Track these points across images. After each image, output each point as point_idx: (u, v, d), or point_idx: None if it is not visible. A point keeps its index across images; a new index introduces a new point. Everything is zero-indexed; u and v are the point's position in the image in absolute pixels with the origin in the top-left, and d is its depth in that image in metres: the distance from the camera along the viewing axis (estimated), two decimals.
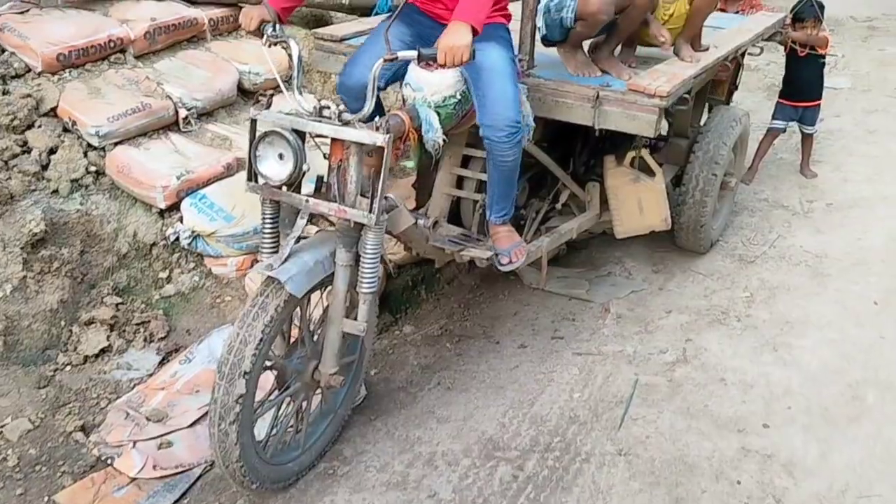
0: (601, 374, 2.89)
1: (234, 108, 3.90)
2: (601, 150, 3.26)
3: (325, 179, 2.24)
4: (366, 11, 4.96)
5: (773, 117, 4.65)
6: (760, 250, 3.81)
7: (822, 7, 4.30)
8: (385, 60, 2.10)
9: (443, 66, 2.13)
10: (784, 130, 4.70)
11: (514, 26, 2.76)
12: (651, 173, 3.16)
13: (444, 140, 2.53)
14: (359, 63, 2.60)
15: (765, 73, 6.63)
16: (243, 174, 2.31)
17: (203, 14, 3.97)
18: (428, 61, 2.18)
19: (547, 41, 2.95)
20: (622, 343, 3.08)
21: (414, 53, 2.09)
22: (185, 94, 3.53)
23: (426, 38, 2.52)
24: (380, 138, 2.04)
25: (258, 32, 2.33)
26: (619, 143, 3.18)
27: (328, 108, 2.15)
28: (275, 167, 2.16)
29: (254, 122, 2.19)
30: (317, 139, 2.20)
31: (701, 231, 3.53)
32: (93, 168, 3.22)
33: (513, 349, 3.07)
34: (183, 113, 3.49)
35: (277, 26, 2.29)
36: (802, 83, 4.51)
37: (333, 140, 2.14)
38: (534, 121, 2.69)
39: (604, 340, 3.10)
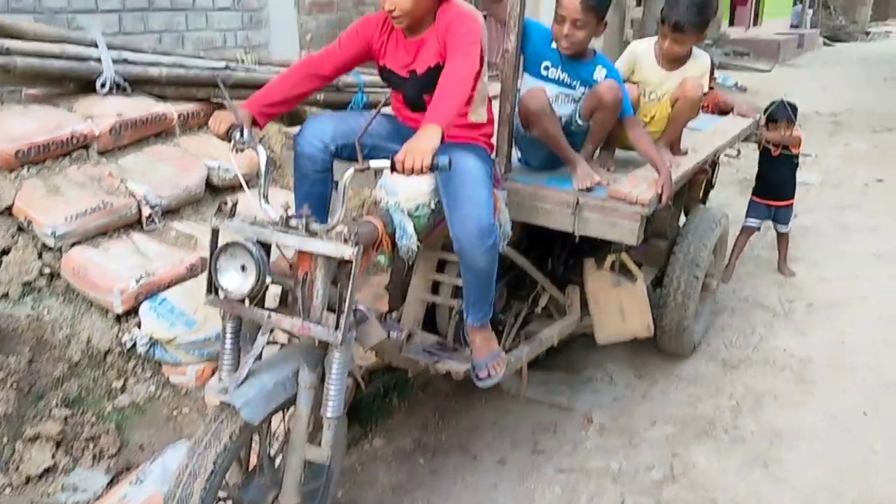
0: (585, 493, 2.71)
1: (202, 204, 3.77)
2: (580, 252, 3.17)
3: (289, 292, 2.10)
4: (341, 106, 4.95)
5: (748, 215, 4.64)
6: (744, 353, 3.70)
7: (794, 109, 4.35)
8: (357, 171, 2.00)
9: (401, 172, 2.01)
10: (759, 229, 4.68)
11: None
12: (632, 277, 3.06)
13: (418, 247, 2.42)
14: (320, 122, 2.54)
15: (736, 168, 6.69)
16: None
17: (173, 109, 3.89)
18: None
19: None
20: (606, 458, 2.90)
21: (387, 162, 1.99)
22: (149, 192, 3.40)
23: (402, 137, 2.46)
24: (348, 251, 1.92)
25: (226, 137, 2.23)
26: (598, 245, 3.09)
27: (296, 216, 2.03)
28: (236, 280, 2.01)
29: (215, 231, 2.06)
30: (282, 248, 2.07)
31: (683, 334, 3.42)
32: (47, 270, 3.05)
33: (491, 464, 2.88)
34: (146, 211, 3.35)
35: (246, 132, 2.18)
36: (776, 182, 4.53)
37: (300, 251, 2.01)
38: (511, 227, 2.59)
39: (587, 455, 2.92)
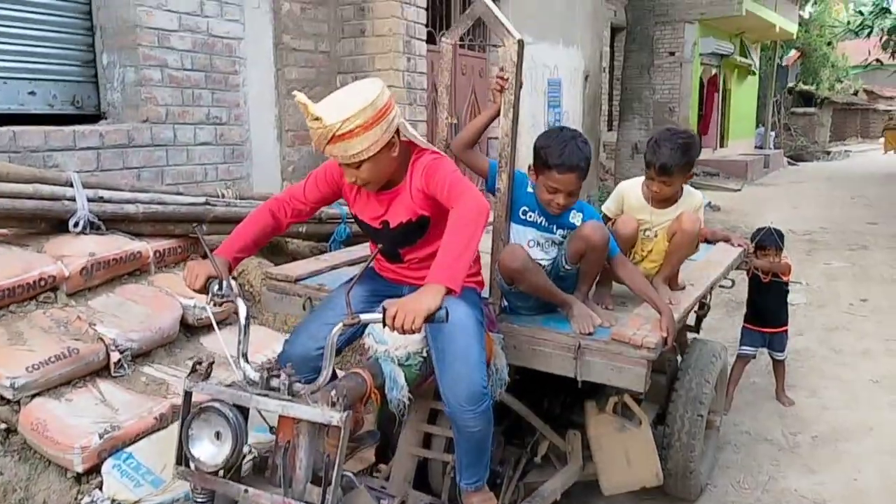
0: None
1: (175, 346, 3.59)
2: (579, 392, 2.98)
3: (269, 459, 1.90)
4: (323, 237, 4.86)
5: (742, 343, 4.52)
6: (753, 496, 3.46)
7: (781, 236, 4.33)
8: (345, 325, 1.85)
9: (392, 329, 1.85)
10: (754, 356, 4.55)
11: (484, 267, 2.58)
12: (636, 419, 2.87)
13: (409, 399, 2.24)
14: (308, 331, 2.34)
15: (721, 289, 6.63)
16: (176, 429, 1.95)
17: (148, 246, 3.77)
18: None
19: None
20: None
21: (379, 316, 1.84)
22: (119, 335, 3.21)
23: (384, 296, 2.33)
24: (336, 416, 1.73)
25: (204, 290, 2.08)
26: (599, 385, 2.92)
27: (277, 375, 1.86)
28: (209, 449, 1.81)
29: (188, 394, 1.87)
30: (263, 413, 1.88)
31: (690, 477, 3.19)
32: (3, 426, 2.81)
33: None
34: (115, 356, 3.16)
35: (224, 283, 2.04)
36: (768, 309, 4.44)
37: (281, 416, 1.82)
38: (508, 373, 2.43)
39: None
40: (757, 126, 22.97)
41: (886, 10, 10.61)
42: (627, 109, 8.98)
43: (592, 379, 2.44)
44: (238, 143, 5.06)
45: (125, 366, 3.19)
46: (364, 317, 1.86)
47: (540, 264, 2.69)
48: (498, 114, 2.65)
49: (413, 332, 1.81)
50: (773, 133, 23.54)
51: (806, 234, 9.92)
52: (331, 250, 4.68)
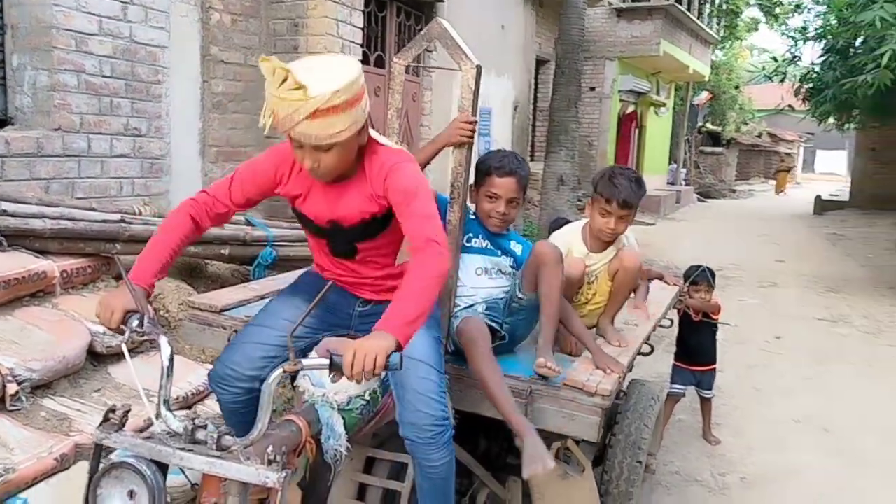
0: None
1: (81, 376, 3.28)
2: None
3: None
4: (246, 261, 4.60)
5: (673, 381, 4.52)
6: None
7: (713, 274, 4.37)
8: (286, 371, 1.65)
9: (350, 377, 1.65)
10: (684, 395, 4.55)
11: None
12: (578, 466, 2.76)
13: (347, 449, 2.06)
14: (242, 352, 2.14)
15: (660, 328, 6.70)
16: (81, 468, 1.70)
17: (54, 266, 3.45)
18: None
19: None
20: None
21: (325, 362, 1.65)
22: (17, 364, 2.90)
23: (336, 313, 2.15)
24: (272, 477, 1.54)
25: (120, 328, 1.81)
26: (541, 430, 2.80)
27: (204, 426, 1.65)
28: None
29: (98, 447, 1.64)
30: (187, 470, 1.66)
31: None
32: None
33: None
34: (12, 388, 2.84)
35: (146, 318, 1.79)
36: (698, 348, 4.46)
37: (207, 474, 1.61)
38: (453, 417, 2.27)
39: None
40: (669, 163, 23.78)
41: (797, 58, 11.21)
42: (554, 141, 9.04)
43: (544, 426, 2.32)
44: (157, 157, 4.75)
45: (23, 398, 2.88)
46: (307, 362, 1.67)
47: (490, 295, 2.59)
48: (440, 151, 2.56)
49: (374, 375, 1.62)
50: (684, 170, 24.43)
51: (719, 270, 10.17)
52: (254, 275, 4.44)
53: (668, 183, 23.22)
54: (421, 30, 7.42)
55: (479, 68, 2.32)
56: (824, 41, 10.78)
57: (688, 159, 25.63)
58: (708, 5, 20.29)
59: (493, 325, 2.58)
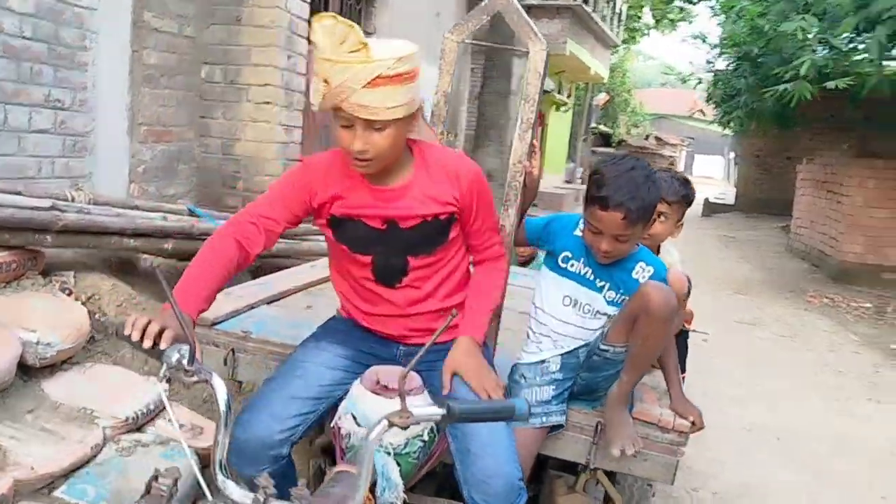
0: None
1: (9, 394, 2.74)
2: (545, 465, 2.60)
3: None
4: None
5: None
6: None
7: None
8: (392, 424, 1.30)
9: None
10: None
11: None
12: (608, 499, 2.54)
13: (404, 500, 1.73)
14: (270, 410, 1.77)
15: None
16: None
17: None
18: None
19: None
20: None
21: (438, 411, 1.31)
22: None
23: (369, 358, 1.85)
24: None
25: (156, 352, 1.39)
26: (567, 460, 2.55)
27: (275, 495, 1.28)
28: None
29: None
30: None
31: None
32: None
33: None
34: None
35: (198, 353, 1.37)
36: None
37: None
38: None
39: None
40: (567, 161, 24.28)
41: (710, 63, 11.67)
42: (483, 136, 8.85)
43: (613, 468, 2.06)
44: (81, 134, 4.14)
45: None
46: (419, 412, 1.32)
47: (570, 336, 2.24)
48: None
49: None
50: (581, 169, 25.02)
51: None
52: None
53: (565, 181, 23.70)
54: (362, 9, 7.00)
55: (547, 52, 2.03)
56: (734, 49, 11.17)
57: (584, 158, 26.28)
58: (609, 9, 20.79)
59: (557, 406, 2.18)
